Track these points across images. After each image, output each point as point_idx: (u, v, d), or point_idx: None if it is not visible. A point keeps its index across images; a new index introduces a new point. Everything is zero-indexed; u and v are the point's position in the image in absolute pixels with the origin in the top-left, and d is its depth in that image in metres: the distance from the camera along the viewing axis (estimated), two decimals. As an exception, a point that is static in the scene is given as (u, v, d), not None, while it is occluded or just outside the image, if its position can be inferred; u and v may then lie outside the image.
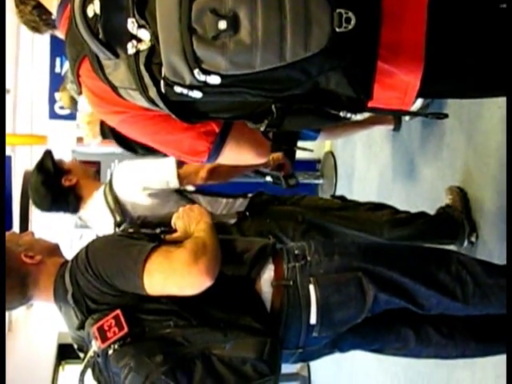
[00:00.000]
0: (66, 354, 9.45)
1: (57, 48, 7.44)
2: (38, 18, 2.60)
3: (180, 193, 3.78)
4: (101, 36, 1.80)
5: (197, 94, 1.75)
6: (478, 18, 2.01)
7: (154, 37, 1.73)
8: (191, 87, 1.74)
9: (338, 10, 1.65)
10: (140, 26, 1.75)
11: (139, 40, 1.77)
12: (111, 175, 3.75)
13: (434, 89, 2.11)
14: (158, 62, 1.74)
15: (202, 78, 1.69)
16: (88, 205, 3.80)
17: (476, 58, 2.05)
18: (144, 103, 1.91)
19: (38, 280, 2.50)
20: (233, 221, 3.85)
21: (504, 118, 2.30)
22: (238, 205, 3.94)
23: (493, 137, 3.84)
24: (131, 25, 1.76)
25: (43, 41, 7.56)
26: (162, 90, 1.78)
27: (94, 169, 4.11)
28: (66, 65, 6.92)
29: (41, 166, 3.90)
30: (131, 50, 1.78)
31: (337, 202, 4.29)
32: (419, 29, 1.89)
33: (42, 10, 2.51)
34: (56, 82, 7.34)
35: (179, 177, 3.65)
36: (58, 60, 7.69)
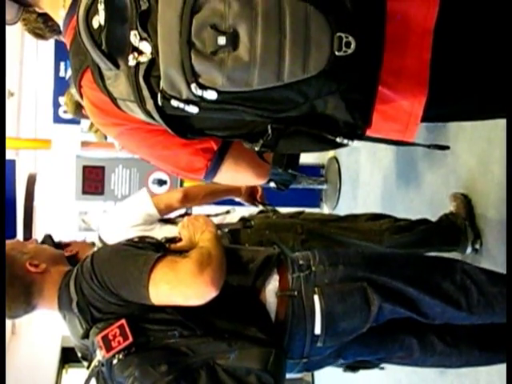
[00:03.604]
0: (69, 357, 9.46)
1: (61, 52, 7.45)
2: (44, 25, 2.60)
3: (164, 221, 3.84)
4: (103, 46, 1.81)
5: (193, 109, 1.75)
6: (482, 42, 2.00)
7: (155, 50, 1.73)
8: (188, 102, 1.73)
9: (338, 34, 1.64)
10: (142, 39, 1.75)
11: (140, 52, 1.77)
12: (99, 230, 3.88)
13: (437, 113, 2.10)
14: (157, 74, 1.74)
15: (198, 92, 1.69)
16: None
17: (480, 82, 2.04)
18: (141, 116, 1.91)
19: (42, 289, 2.49)
20: (235, 219, 3.91)
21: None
22: (231, 214, 4.00)
23: (497, 144, 3.84)
24: (133, 37, 1.76)
25: (48, 45, 7.57)
26: (159, 102, 1.78)
27: (91, 242, 4.17)
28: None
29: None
30: (132, 62, 1.78)
31: (335, 215, 4.32)
32: (424, 55, 1.88)
33: (46, 17, 2.52)
34: (60, 85, 7.36)
35: (155, 205, 3.76)
36: (62, 64, 7.71)
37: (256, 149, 1.96)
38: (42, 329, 8.90)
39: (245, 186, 4.14)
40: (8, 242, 2.61)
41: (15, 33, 7.58)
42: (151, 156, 2.26)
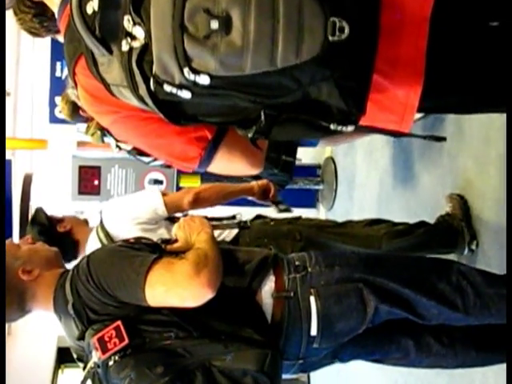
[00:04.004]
0: (65, 357, 9.44)
1: (57, 52, 7.45)
2: (39, 25, 2.60)
3: (170, 219, 3.80)
4: (97, 32, 1.81)
5: (186, 94, 1.74)
6: (479, 31, 2.00)
7: (148, 34, 1.73)
8: (180, 86, 1.73)
9: (332, 19, 1.63)
10: (135, 24, 1.75)
11: (134, 37, 1.77)
12: (101, 214, 3.79)
13: (434, 104, 2.09)
14: (150, 59, 1.74)
15: (191, 77, 1.69)
16: (86, 249, 3.82)
17: (476, 72, 2.04)
18: (134, 102, 1.91)
19: (36, 294, 2.48)
20: (230, 238, 3.86)
21: (505, 126, 2.31)
22: (228, 231, 3.94)
23: (493, 144, 3.84)
24: (127, 22, 1.76)
25: (44, 45, 7.56)
26: (152, 87, 1.78)
27: (84, 217, 4.13)
28: (67, 69, 6.94)
29: (34, 220, 3.96)
30: (125, 47, 1.78)
31: (332, 220, 4.30)
32: (420, 43, 1.88)
33: (43, 17, 2.52)
34: (56, 85, 7.36)
35: (165, 204, 3.71)
36: (58, 64, 7.71)
37: (249, 135, 1.95)
38: (38, 329, 8.89)
39: (257, 185, 4.08)
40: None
41: (11, 32, 7.57)
42: (145, 144, 2.26)
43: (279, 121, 1.88)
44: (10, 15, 2.67)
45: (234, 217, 4.06)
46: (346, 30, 1.64)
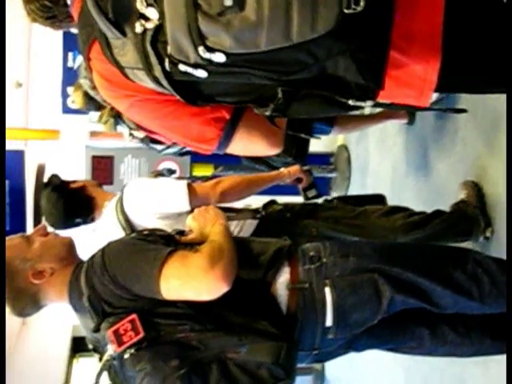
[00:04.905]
0: (79, 346, 9.48)
1: (69, 42, 7.46)
2: (48, 22, 2.59)
3: (192, 211, 3.72)
4: (110, 15, 1.80)
5: (201, 73, 1.74)
6: (496, 7, 1.98)
7: (162, 15, 1.72)
8: (196, 66, 1.73)
9: None
10: (148, 5, 1.75)
11: (147, 19, 1.77)
12: (122, 192, 3.69)
13: (450, 81, 2.07)
14: (164, 40, 1.74)
15: (206, 55, 1.68)
16: (102, 215, 3.77)
17: (491, 49, 2.02)
18: (149, 84, 1.91)
19: (49, 293, 2.49)
20: (248, 233, 3.78)
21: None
22: (248, 223, 3.85)
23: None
24: (140, 4, 1.75)
25: (56, 35, 7.55)
26: (167, 68, 1.77)
27: (95, 181, 4.11)
28: (79, 59, 6.93)
29: (48, 183, 3.92)
30: (139, 29, 1.78)
31: (349, 209, 4.18)
32: (436, 17, 1.86)
33: (51, 7, 2.51)
34: (69, 76, 7.37)
35: (190, 201, 3.55)
36: (70, 54, 7.71)
37: (267, 114, 1.94)
38: (53, 319, 8.92)
39: (287, 171, 3.90)
40: (10, 244, 2.55)
41: (23, 23, 7.57)
42: (162, 127, 2.26)
43: (297, 97, 1.87)
44: (20, 7, 2.66)
45: (256, 210, 3.93)
46: (362, 3, 1.62)
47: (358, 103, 1.85)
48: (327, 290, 2.47)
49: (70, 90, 6.98)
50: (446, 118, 4.61)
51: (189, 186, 3.56)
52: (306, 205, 4.17)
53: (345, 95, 1.85)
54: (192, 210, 3.52)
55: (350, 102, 1.85)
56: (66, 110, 7.72)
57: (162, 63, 1.79)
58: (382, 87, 1.82)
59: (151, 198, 3.61)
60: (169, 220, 3.54)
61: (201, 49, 1.67)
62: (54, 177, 3.94)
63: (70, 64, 7.72)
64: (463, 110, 2.09)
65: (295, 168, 3.91)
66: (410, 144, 5.59)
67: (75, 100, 5.29)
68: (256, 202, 4.04)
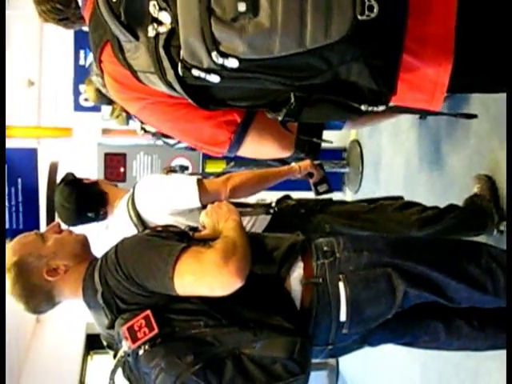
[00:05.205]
0: (94, 344, 9.53)
1: (81, 40, 7.47)
2: (58, 21, 2.59)
3: (204, 207, 3.72)
4: (122, 18, 1.80)
5: (214, 78, 1.73)
6: (502, 10, 1.97)
7: (175, 19, 1.72)
8: (209, 71, 1.72)
9: None
10: (161, 9, 1.74)
11: (160, 23, 1.76)
12: (133, 189, 3.71)
13: (461, 82, 2.06)
14: (177, 44, 1.73)
15: (219, 60, 1.67)
16: (114, 212, 3.80)
17: (504, 50, 2.01)
18: (162, 88, 1.91)
19: (63, 290, 2.50)
20: (261, 229, 3.78)
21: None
22: (261, 218, 3.85)
23: (521, 125, 3.80)
24: (153, 7, 1.75)
25: (67, 33, 7.57)
26: (180, 72, 1.77)
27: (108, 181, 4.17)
28: (91, 57, 6.95)
29: (61, 180, 3.96)
30: (151, 33, 1.78)
31: (363, 205, 4.19)
32: (449, 21, 1.85)
33: (63, 9, 2.51)
34: (80, 74, 7.38)
35: (201, 197, 3.57)
36: (82, 52, 7.72)
37: (279, 118, 1.94)
38: (67, 316, 8.96)
39: (298, 166, 3.90)
40: (25, 241, 2.57)
41: (34, 22, 7.60)
42: (174, 130, 2.26)
43: (309, 102, 1.86)
44: (32, 6, 2.67)
45: (269, 205, 3.96)
46: (376, 9, 1.62)
47: (371, 108, 1.84)
48: (341, 285, 2.47)
49: (81, 87, 7.01)
50: (458, 110, 4.59)
51: (199, 182, 3.57)
52: (320, 200, 4.17)
53: (357, 100, 1.84)
54: (204, 207, 3.55)
55: (363, 107, 1.85)
56: (78, 107, 7.76)
57: (175, 68, 1.79)
58: (394, 92, 1.82)
59: (162, 195, 3.63)
60: (180, 216, 3.55)
61: (214, 54, 1.67)
62: (69, 174, 3.97)
63: (81, 62, 7.73)
64: (473, 116, 2.08)
65: (306, 163, 3.90)
66: (423, 138, 5.57)
67: (88, 94, 5.32)
68: (270, 197, 4.04)
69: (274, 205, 3.93)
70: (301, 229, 3.62)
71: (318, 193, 4.15)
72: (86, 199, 3.85)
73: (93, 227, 3.93)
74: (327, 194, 4.19)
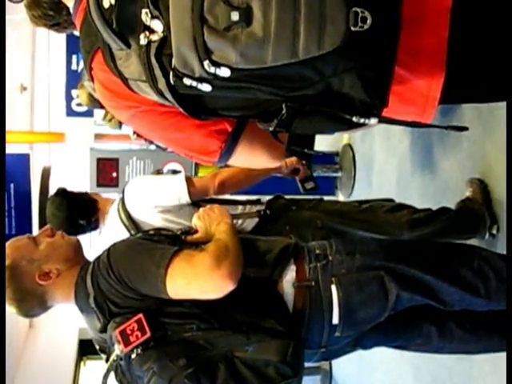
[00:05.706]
0: (87, 349, 9.51)
1: (73, 45, 7.49)
2: (50, 27, 2.59)
3: (194, 204, 3.75)
4: (114, 26, 1.79)
5: (206, 87, 1.72)
6: (499, 21, 1.97)
7: (167, 28, 1.71)
8: (201, 80, 1.71)
9: (354, 9, 1.60)
10: (153, 17, 1.73)
11: (152, 31, 1.75)
12: (123, 192, 3.76)
13: (453, 94, 2.06)
14: (169, 53, 1.72)
15: (211, 70, 1.66)
16: (106, 220, 3.83)
17: (497, 61, 2.01)
18: (153, 96, 1.90)
19: (56, 294, 2.50)
20: (250, 227, 3.81)
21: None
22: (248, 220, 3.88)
23: (513, 128, 3.81)
24: (145, 16, 1.74)
25: (59, 38, 7.58)
26: (172, 81, 1.76)
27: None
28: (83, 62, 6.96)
29: (53, 194, 4.07)
30: (143, 41, 1.76)
31: (354, 204, 4.23)
32: (441, 33, 1.85)
33: (54, 16, 2.50)
34: (72, 79, 7.40)
35: (190, 192, 3.65)
36: (74, 57, 7.74)
37: (270, 129, 1.93)
38: (60, 322, 8.94)
39: (285, 162, 3.95)
40: (17, 244, 2.56)
41: (27, 27, 7.59)
42: (164, 139, 2.25)
43: (301, 113, 1.86)
44: (24, 10, 2.67)
45: (258, 201, 4.01)
46: (369, 21, 1.61)
47: (362, 120, 1.84)
48: (333, 288, 2.47)
49: (74, 92, 7.01)
50: (451, 115, 4.60)
51: (187, 178, 3.69)
52: (311, 200, 4.24)
53: (349, 112, 1.84)
54: (193, 203, 3.58)
55: (354, 119, 1.84)
56: (71, 112, 7.76)
57: (166, 76, 1.78)
58: (386, 104, 1.82)
59: (151, 192, 3.70)
60: (170, 214, 3.59)
61: (206, 63, 1.66)
62: (59, 188, 4.06)
63: (73, 67, 7.74)
64: (464, 128, 2.07)
65: (292, 159, 3.94)
66: (416, 142, 5.57)
67: (81, 98, 5.33)
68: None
69: (265, 206, 3.95)
70: (292, 223, 3.65)
71: (304, 189, 4.20)
72: (76, 206, 3.89)
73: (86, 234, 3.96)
74: (313, 191, 4.24)
